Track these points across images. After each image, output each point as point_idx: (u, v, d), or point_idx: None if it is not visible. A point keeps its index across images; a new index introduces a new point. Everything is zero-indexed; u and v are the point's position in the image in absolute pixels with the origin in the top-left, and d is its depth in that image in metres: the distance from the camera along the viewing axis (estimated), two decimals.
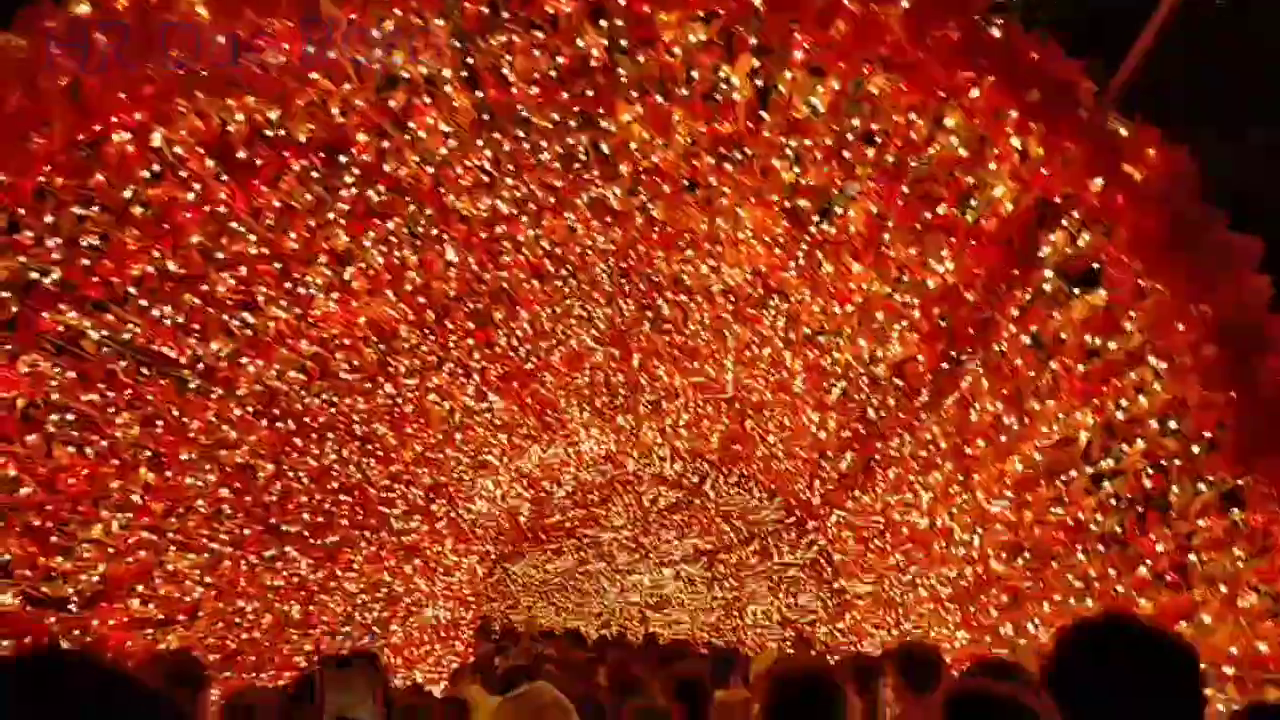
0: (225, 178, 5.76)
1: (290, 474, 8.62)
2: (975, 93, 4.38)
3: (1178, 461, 4.68)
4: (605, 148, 6.23)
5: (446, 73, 5.60)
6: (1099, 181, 4.17)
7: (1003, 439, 6.55)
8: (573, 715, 3.62)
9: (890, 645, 11.34)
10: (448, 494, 11.87)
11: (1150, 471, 4.95)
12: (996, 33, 4.24)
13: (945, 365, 6.97)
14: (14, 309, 5.45)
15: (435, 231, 7.07)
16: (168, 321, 6.35)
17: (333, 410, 8.71)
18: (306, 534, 9.11)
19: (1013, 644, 7.70)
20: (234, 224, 6.13)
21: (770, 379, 9.82)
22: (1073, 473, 5.77)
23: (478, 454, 11.58)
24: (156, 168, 5.45)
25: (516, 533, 17.42)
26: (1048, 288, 5.22)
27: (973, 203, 5.34)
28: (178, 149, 5.42)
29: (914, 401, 7.88)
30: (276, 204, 6.17)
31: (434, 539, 12.53)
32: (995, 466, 6.87)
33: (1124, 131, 4.11)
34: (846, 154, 5.62)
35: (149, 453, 6.84)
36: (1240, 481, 4.17)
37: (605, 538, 21.41)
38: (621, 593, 25.23)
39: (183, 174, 5.61)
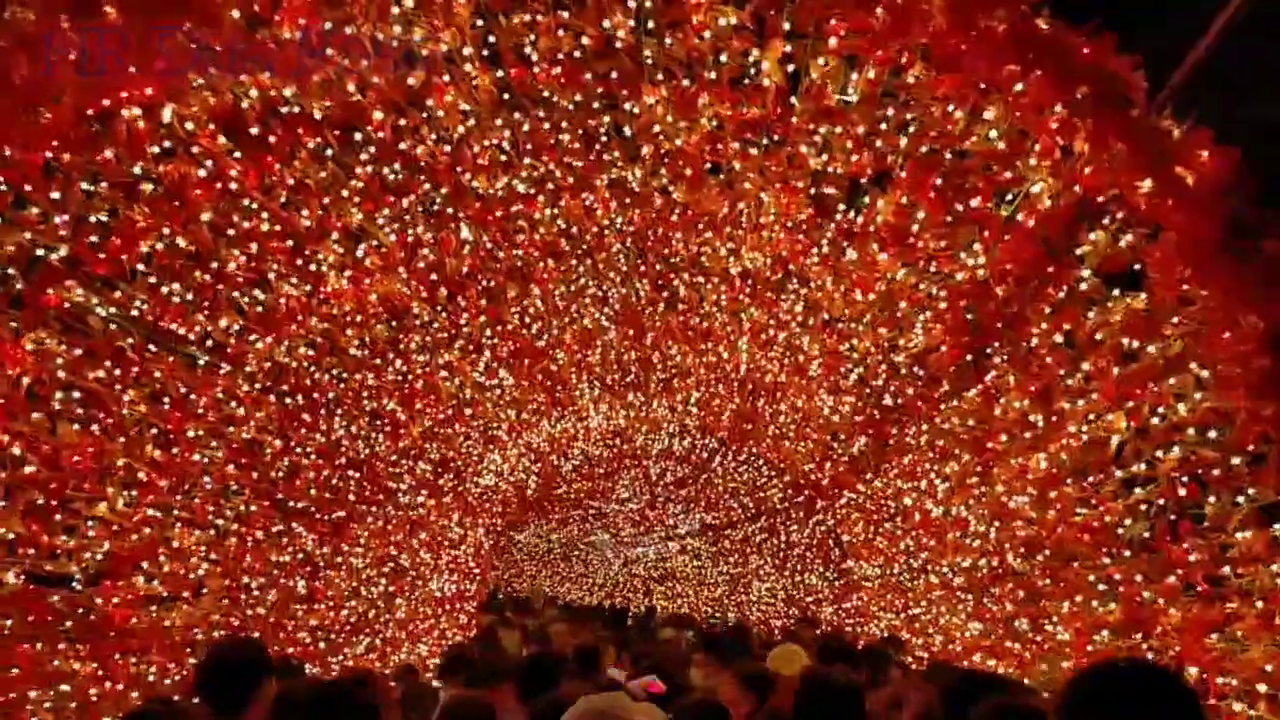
0: (238, 154, 5.59)
1: (298, 450, 8.51)
2: (1020, 87, 4.20)
3: (1216, 472, 4.54)
4: (627, 130, 6.05)
5: (467, 50, 5.41)
6: (1148, 183, 4.00)
7: (1027, 436, 6.40)
8: None
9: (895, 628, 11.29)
10: (455, 469, 11.78)
11: (1185, 480, 4.81)
12: (1044, 25, 4.06)
13: (969, 358, 6.82)
14: (19, 286, 5.30)
15: (450, 210, 6.91)
16: (176, 299, 6.20)
17: (342, 386, 8.59)
18: (313, 509, 9.03)
19: (1026, 640, 7.61)
20: (246, 201, 5.97)
21: (785, 362, 9.69)
22: (1101, 475, 5.63)
23: (487, 429, 11.48)
24: (167, 144, 5.28)
25: (522, 504, 17.35)
26: (1084, 287, 5.06)
27: (1009, 197, 5.17)
28: (189, 125, 5.25)
29: (934, 392, 7.74)
30: (290, 181, 6.00)
31: (440, 513, 12.46)
32: (1018, 462, 6.73)
33: (1175, 132, 3.94)
34: (879, 143, 5.45)
35: (155, 430, 6.72)
36: None
37: (611, 510, 21.38)
38: (626, 565, 25.36)
39: (194, 150, 5.44)
